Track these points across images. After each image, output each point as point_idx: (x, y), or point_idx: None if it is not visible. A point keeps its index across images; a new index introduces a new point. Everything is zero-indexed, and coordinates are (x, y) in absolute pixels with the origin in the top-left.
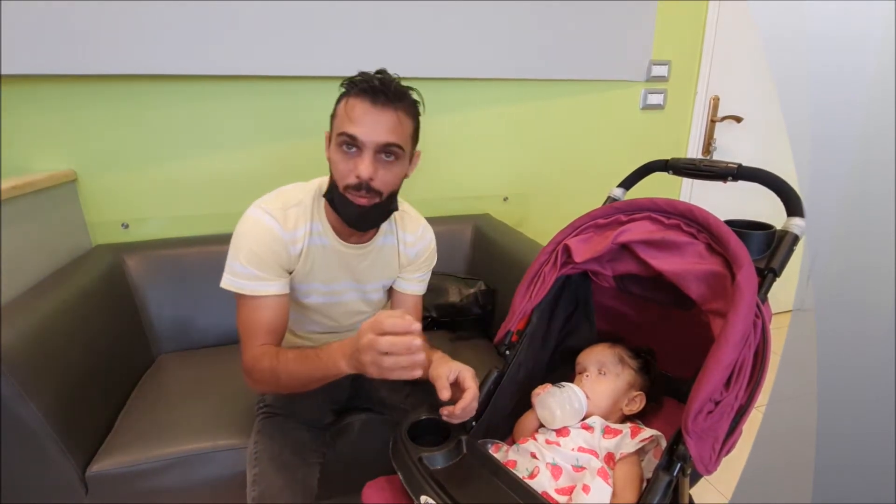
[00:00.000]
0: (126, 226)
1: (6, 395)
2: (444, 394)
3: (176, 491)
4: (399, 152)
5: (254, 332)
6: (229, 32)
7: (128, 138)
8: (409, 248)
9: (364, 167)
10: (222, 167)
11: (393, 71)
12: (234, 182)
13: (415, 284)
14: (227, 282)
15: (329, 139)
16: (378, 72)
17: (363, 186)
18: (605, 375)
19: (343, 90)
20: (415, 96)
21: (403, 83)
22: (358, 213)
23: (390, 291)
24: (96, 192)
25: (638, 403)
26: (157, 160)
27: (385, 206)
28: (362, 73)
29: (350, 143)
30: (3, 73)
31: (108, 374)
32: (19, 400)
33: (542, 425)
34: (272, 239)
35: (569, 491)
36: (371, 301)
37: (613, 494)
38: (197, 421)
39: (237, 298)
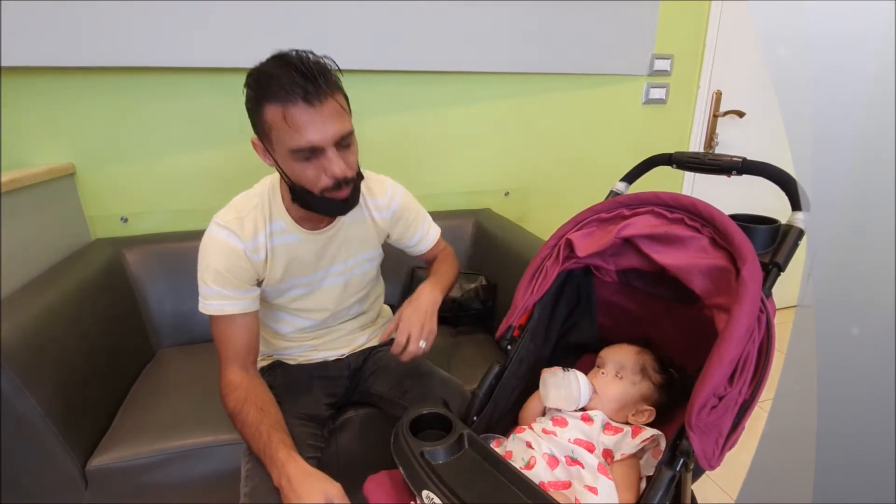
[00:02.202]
0: (125, 220)
1: (6, 388)
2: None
3: (176, 485)
4: (351, 134)
5: (224, 353)
6: (229, 25)
7: (127, 131)
8: (384, 211)
9: (337, 167)
10: (222, 160)
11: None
12: (234, 175)
13: (426, 240)
14: (200, 304)
15: (264, 150)
16: (280, 57)
17: (341, 183)
18: (620, 379)
19: (250, 92)
20: (329, 63)
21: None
22: (342, 206)
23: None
24: (95, 185)
25: (645, 417)
26: (156, 153)
27: (358, 183)
28: (267, 66)
29: (308, 153)
30: (1, 65)
31: (107, 368)
32: (19, 394)
33: (543, 413)
34: (231, 253)
35: (564, 486)
36: (354, 281)
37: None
38: (198, 415)
39: (210, 320)
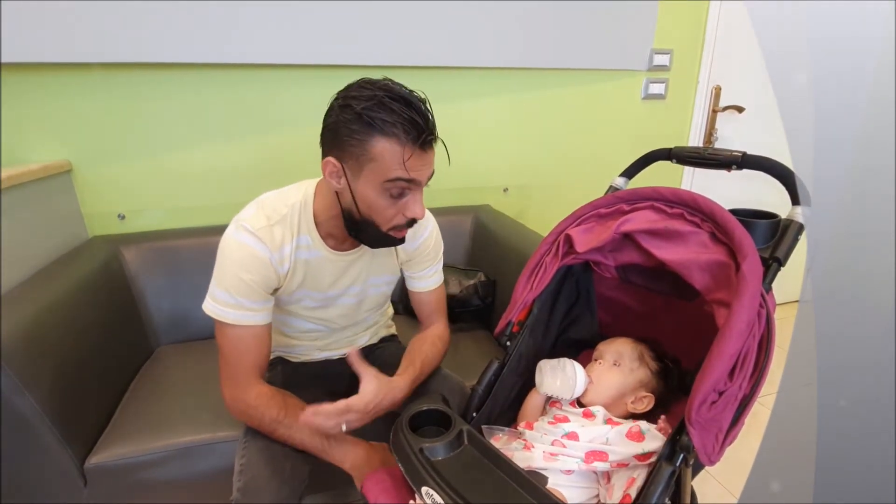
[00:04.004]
0: (122, 217)
1: (4, 387)
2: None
3: (175, 482)
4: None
5: (243, 364)
6: (226, 21)
7: (124, 128)
8: (408, 242)
9: (421, 210)
10: (219, 158)
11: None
12: (231, 173)
13: (426, 280)
14: (211, 309)
15: (341, 173)
16: (393, 90)
17: (412, 223)
18: (618, 367)
19: (355, 116)
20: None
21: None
22: (395, 242)
23: (406, 292)
24: (92, 182)
25: (645, 404)
26: (153, 150)
27: None
28: (380, 95)
29: (403, 189)
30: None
31: (105, 365)
32: (17, 392)
33: (543, 410)
34: (258, 262)
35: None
36: (368, 300)
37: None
38: (196, 412)
39: (218, 325)
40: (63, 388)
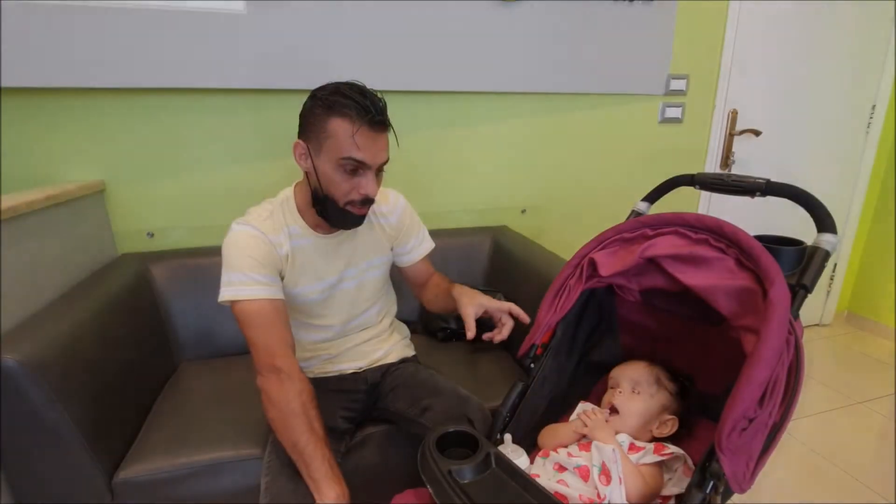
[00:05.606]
0: (151, 235)
1: (38, 400)
2: (469, 333)
3: (201, 499)
4: (387, 163)
5: (271, 337)
6: (254, 49)
7: (155, 149)
8: (389, 217)
9: (372, 188)
10: (246, 177)
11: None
12: (257, 192)
13: (420, 248)
14: (227, 293)
15: (305, 152)
16: (353, 86)
17: (368, 201)
18: (638, 394)
19: (318, 102)
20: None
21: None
22: (357, 221)
23: (403, 271)
24: (123, 201)
25: (669, 427)
26: (182, 170)
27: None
28: (341, 87)
29: (355, 167)
30: (36, 85)
31: (133, 381)
32: (51, 406)
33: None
34: (262, 242)
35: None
36: (368, 284)
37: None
38: (220, 429)
39: (238, 311)
40: (94, 402)
